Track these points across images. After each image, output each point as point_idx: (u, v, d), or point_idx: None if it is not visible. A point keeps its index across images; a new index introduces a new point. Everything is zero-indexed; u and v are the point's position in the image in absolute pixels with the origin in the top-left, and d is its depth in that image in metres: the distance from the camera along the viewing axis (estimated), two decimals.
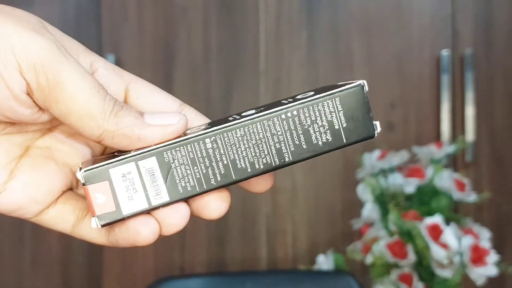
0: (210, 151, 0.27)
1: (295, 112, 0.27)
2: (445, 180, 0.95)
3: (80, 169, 0.26)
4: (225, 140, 0.27)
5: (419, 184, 0.96)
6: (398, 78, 1.27)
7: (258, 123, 0.27)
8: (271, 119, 0.27)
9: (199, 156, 0.27)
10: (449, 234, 0.87)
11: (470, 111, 1.24)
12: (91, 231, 0.29)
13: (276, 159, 0.27)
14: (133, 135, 0.26)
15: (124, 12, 1.27)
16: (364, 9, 1.28)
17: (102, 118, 0.26)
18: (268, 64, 1.27)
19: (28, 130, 0.29)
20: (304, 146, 0.27)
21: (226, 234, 1.27)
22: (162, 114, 0.27)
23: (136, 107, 0.30)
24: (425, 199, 0.97)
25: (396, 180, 0.97)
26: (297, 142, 0.27)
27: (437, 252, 0.86)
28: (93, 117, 0.25)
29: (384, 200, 0.97)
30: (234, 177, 0.27)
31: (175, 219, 0.27)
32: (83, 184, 0.26)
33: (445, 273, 0.88)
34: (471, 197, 0.96)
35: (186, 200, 0.27)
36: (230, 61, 1.27)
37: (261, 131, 0.27)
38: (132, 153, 0.26)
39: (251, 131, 0.27)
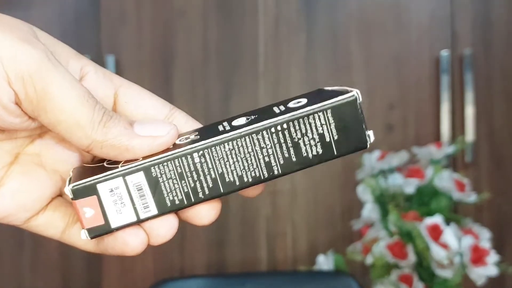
0: (198, 165, 0.27)
1: (285, 126, 0.26)
2: (445, 180, 0.96)
3: (69, 182, 0.26)
4: (213, 154, 0.26)
5: (419, 185, 0.96)
6: (397, 79, 1.27)
7: (247, 137, 0.26)
8: (260, 132, 0.26)
9: (187, 170, 0.27)
10: (449, 235, 0.87)
11: (469, 111, 1.24)
12: (80, 238, 0.29)
13: (265, 172, 0.27)
14: (121, 146, 0.26)
15: (122, 14, 1.27)
16: (363, 10, 1.28)
17: (90, 128, 0.26)
18: (267, 65, 1.27)
19: (18, 136, 0.28)
20: (294, 159, 0.27)
21: (226, 236, 1.27)
22: (152, 124, 0.27)
23: (125, 111, 0.29)
24: (425, 200, 0.97)
25: (396, 181, 0.97)
26: (286, 155, 0.27)
27: (437, 252, 0.86)
28: (81, 127, 0.25)
29: (384, 200, 0.97)
30: (222, 190, 0.27)
31: (163, 230, 0.27)
32: (72, 199, 0.26)
33: (445, 274, 0.88)
34: (471, 197, 0.96)
35: (175, 211, 0.27)
36: (229, 62, 1.27)
37: (250, 145, 0.26)
38: (120, 168, 0.26)
39: (239, 145, 0.26)
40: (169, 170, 0.27)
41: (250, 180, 0.27)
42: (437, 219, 0.88)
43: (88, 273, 1.26)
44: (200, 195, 0.27)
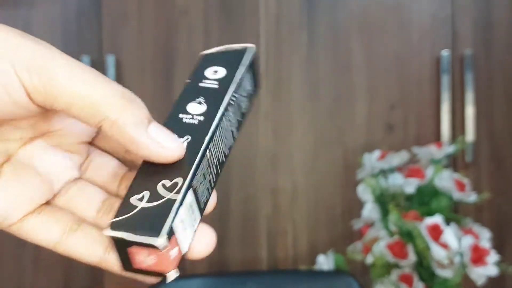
0: (210, 160, 0.28)
1: (235, 95, 0.30)
2: (445, 180, 0.96)
3: (153, 238, 0.25)
4: (214, 144, 0.29)
5: (419, 185, 0.96)
6: (398, 79, 1.27)
7: (224, 118, 0.29)
8: (228, 110, 0.30)
9: (205, 168, 0.28)
10: (449, 234, 0.87)
11: (470, 111, 1.24)
12: (82, 246, 0.28)
13: (231, 140, 0.30)
14: (132, 137, 0.26)
15: (124, 14, 1.27)
16: (364, 10, 1.28)
17: (104, 105, 0.25)
18: (268, 65, 1.27)
19: (11, 138, 0.28)
20: (239, 118, 0.31)
21: (227, 235, 1.27)
22: (166, 132, 0.27)
23: None
24: (425, 200, 0.97)
25: (396, 181, 0.97)
26: (238, 118, 0.31)
27: (437, 252, 0.86)
28: (94, 104, 0.25)
29: (384, 200, 0.98)
30: (220, 172, 0.29)
31: (205, 242, 0.28)
32: (161, 250, 0.25)
33: (445, 273, 0.88)
34: (471, 197, 0.96)
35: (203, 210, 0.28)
36: None
37: (226, 123, 0.30)
38: (176, 198, 0.26)
39: (222, 127, 0.29)
40: (200, 175, 0.27)
41: (228, 152, 0.30)
42: (437, 219, 0.89)
43: (90, 271, 1.26)
44: (213, 184, 0.29)
